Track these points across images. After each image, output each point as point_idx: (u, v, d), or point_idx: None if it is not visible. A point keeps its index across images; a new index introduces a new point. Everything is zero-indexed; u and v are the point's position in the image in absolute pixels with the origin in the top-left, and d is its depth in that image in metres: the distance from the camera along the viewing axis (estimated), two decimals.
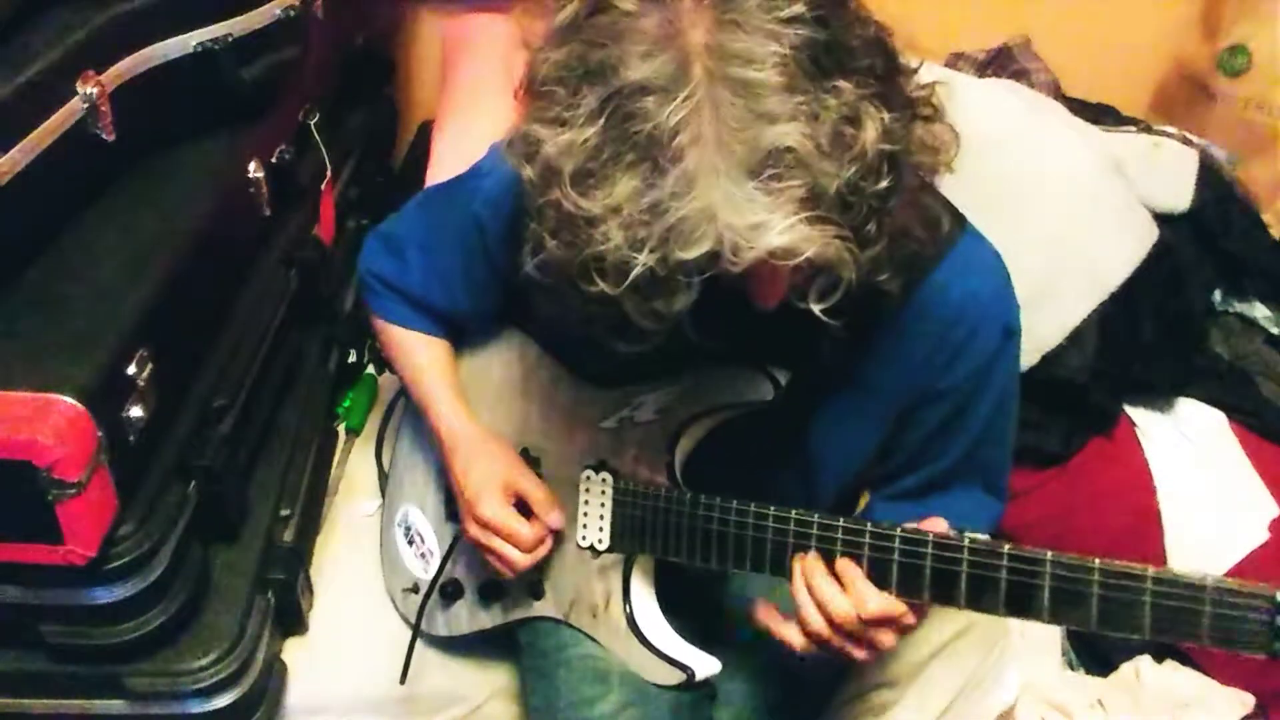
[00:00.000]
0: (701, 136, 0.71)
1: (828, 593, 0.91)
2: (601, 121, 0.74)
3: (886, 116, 0.75)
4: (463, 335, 1.24)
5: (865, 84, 0.75)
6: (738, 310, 0.84)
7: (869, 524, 0.92)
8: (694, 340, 0.84)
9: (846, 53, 0.75)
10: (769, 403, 1.01)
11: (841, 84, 0.73)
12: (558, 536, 1.13)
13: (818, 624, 0.91)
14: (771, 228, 0.71)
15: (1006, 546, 0.86)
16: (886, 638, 0.91)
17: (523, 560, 1.09)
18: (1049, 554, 0.84)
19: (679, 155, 0.72)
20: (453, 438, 1.15)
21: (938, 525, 0.92)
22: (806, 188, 0.72)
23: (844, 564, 0.91)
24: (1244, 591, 0.78)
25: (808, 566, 0.93)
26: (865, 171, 0.74)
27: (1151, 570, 0.81)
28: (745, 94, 0.71)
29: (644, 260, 0.73)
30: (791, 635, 0.94)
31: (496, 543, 1.09)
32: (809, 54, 0.73)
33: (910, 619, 0.91)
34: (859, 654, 0.92)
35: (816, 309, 0.79)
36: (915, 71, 0.84)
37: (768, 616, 0.95)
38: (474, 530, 1.11)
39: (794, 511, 0.95)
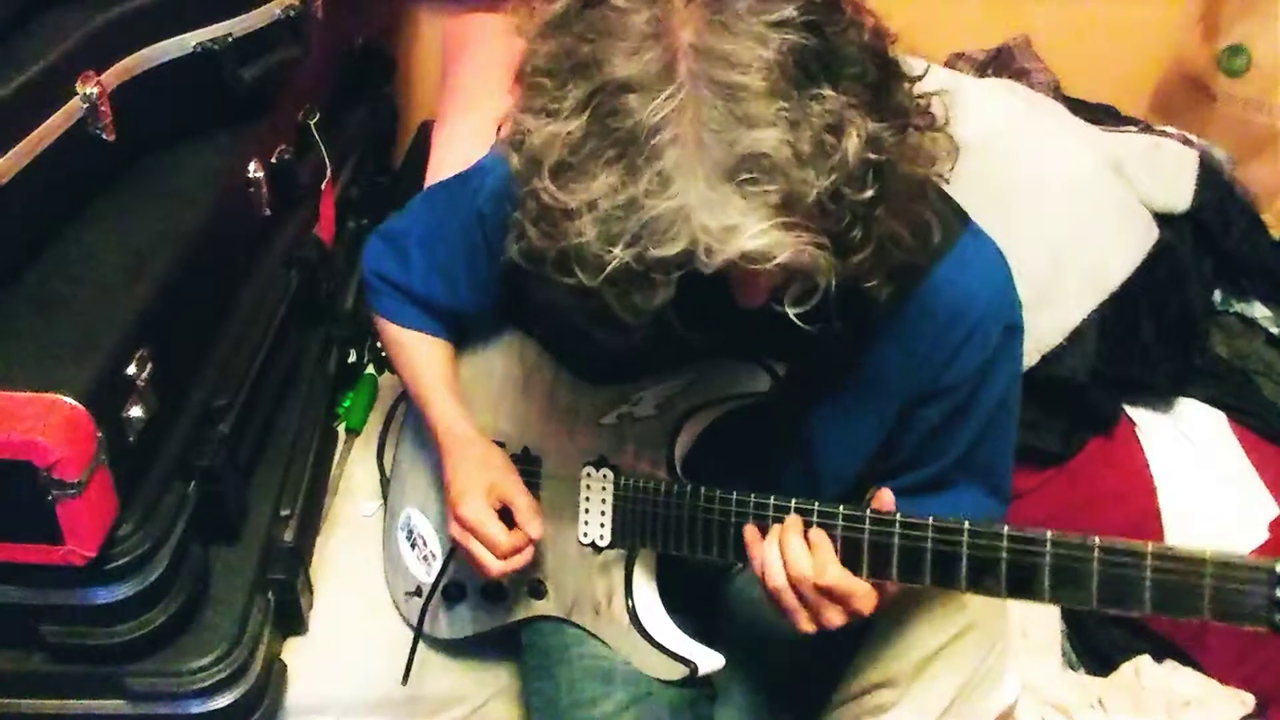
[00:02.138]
0: (681, 136, 0.72)
1: (795, 552, 0.92)
2: (585, 116, 0.74)
3: (873, 126, 0.75)
4: (465, 335, 1.24)
5: (853, 92, 0.75)
6: (725, 305, 0.84)
7: (869, 511, 0.92)
8: (681, 333, 0.84)
9: (836, 59, 0.75)
10: (765, 395, 1.01)
11: (827, 92, 0.73)
12: (559, 535, 1.13)
13: (777, 579, 0.92)
14: (744, 231, 0.72)
15: (1005, 527, 0.87)
16: (835, 615, 0.92)
17: (496, 566, 1.08)
18: (1049, 533, 0.85)
19: (657, 153, 0.72)
20: (448, 439, 1.15)
21: (884, 500, 0.93)
22: (782, 194, 0.72)
23: (817, 534, 0.92)
24: (1244, 565, 0.78)
25: (786, 524, 0.94)
26: (846, 180, 0.74)
27: (1151, 546, 0.81)
28: (728, 97, 0.72)
29: (619, 255, 0.74)
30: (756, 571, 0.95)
31: (473, 544, 1.09)
32: (796, 60, 0.73)
33: (863, 602, 0.91)
34: (805, 624, 0.93)
35: (791, 312, 0.80)
36: (916, 79, 0.84)
37: (752, 538, 0.96)
38: (453, 529, 1.11)
39: (794, 501, 0.96)
